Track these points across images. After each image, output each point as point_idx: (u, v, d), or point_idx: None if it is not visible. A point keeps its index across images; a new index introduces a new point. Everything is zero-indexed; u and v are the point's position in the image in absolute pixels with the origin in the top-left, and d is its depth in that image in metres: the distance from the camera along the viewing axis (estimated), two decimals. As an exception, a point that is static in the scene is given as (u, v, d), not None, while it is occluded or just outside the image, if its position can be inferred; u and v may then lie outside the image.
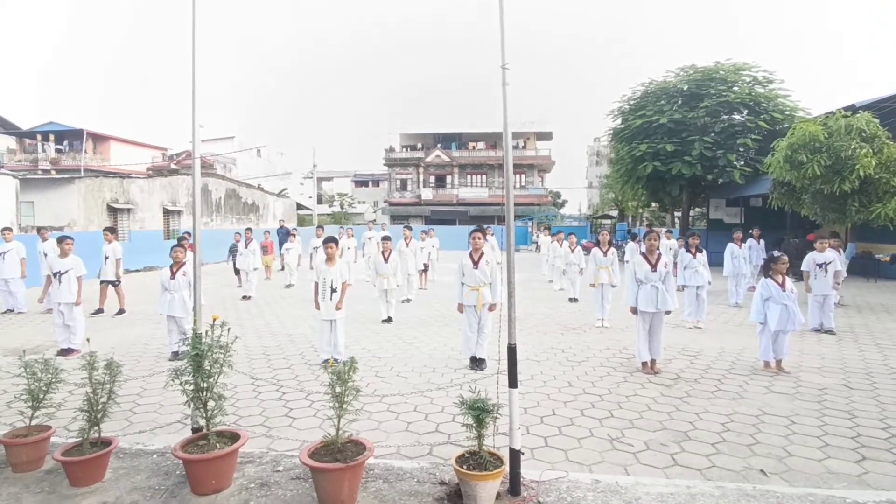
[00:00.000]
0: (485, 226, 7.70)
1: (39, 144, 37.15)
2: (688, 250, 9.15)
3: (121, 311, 9.84)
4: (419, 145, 44.90)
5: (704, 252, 9.13)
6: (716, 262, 11.98)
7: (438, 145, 43.61)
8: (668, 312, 6.12)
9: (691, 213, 23.97)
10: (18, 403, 3.62)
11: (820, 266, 8.18)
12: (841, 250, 8.63)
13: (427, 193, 42.49)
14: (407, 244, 11.85)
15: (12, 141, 37.84)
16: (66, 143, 37.78)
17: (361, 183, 58.86)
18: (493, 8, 3.18)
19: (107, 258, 9.94)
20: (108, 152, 38.61)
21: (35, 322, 9.36)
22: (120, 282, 10.12)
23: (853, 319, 9.22)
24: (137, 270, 18.47)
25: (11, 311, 10.11)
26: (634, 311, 6.17)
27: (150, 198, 20.73)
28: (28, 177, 18.62)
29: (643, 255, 6.32)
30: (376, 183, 56.54)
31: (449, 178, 43.19)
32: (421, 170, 43.17)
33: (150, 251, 19.13)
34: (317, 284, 6.38)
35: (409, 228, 12.45)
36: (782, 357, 6.05)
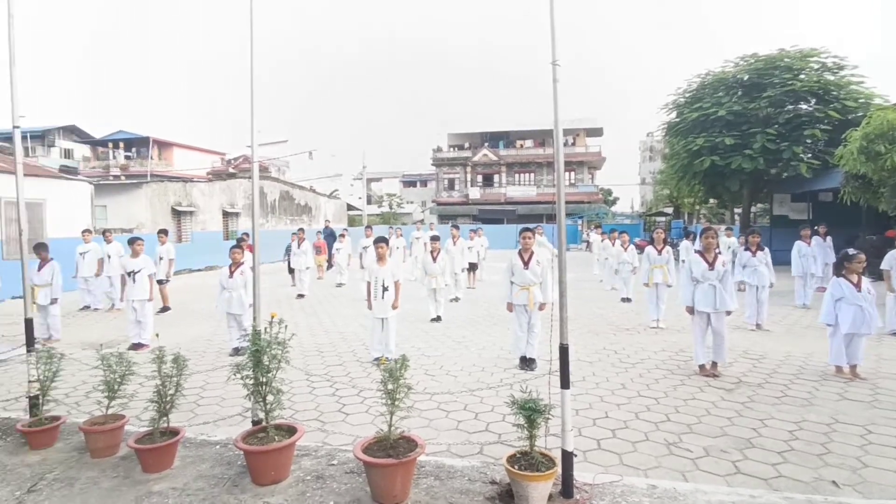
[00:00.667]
0: (534, 224, 7.62)
1: (110, 152, 39.74)
2: (747, 248, 8.71)
3: (165, 309, 10.39)
4: (466, 145, 44.93)
5: (767, 250, 8.66)
6: (781, 261, 11.35)
7: (486, 144, 43.49)
8: (728, 313, 5.85)
9: (753, 209, 22.78)
10: (96, 394, 3.88)
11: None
12: None
13: (475, 192, 42.47)
14: (454, 243, 11.87)
15: (87, 149, 40.63)
16: (133, 150, 40.26)
17: (409, 183, 59.54)
18: (544, 5, 3.14)
19: (161, 259, 10.52)
20: (171, 158, 40.87)
21: (108, 318, 10.02)
22: (168, 281, 10.69)
23: (938, 322, 8.49)
24: (199, 270, 19.45)
25: (88, 307, 10.87)
26: (691, 310, 5.96)
27: (210, 200, 21.76)
28: (101, 182, 19.95)
29: (700, 252, 6.08)
30: (424, 183, 57.03)
31: (496, 177, 43.01)
32: (468, 169, 43.19)
33: (211, 251, 20.11)
34: (369, 284, 6.52)
35: (457, 228, 12.46)
36: (857, 362, 5.66)
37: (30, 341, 4.60)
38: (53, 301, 7.90)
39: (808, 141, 17.19)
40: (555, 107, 3.14)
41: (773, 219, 20.42)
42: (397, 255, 13.99)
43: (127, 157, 39.69)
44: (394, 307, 6.42)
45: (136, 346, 7.26)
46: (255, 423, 3.78)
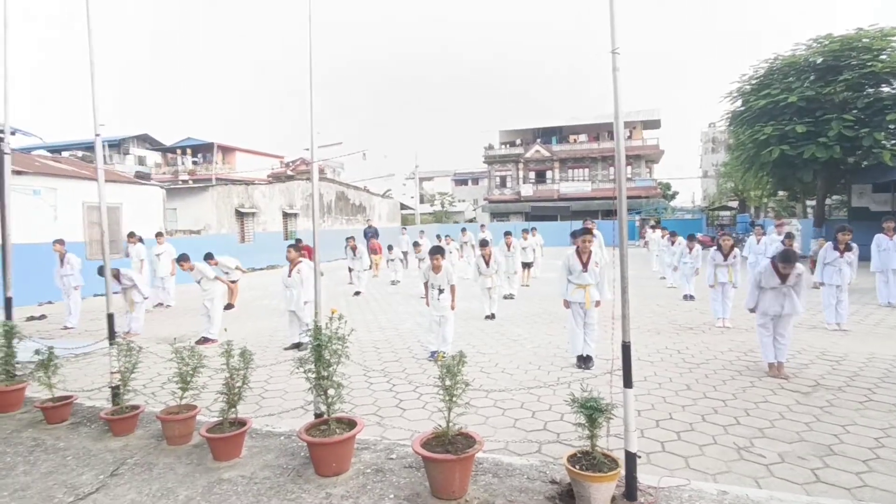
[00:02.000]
0: (588, 221, 7.45)
1: (179, 158, 42.17)
2: (836, 247, 7.98)
3: (229, 306, 10.89)
4: (518, 141, 44.48)
5: (856, 248, 7.95)
6: (861, 256, 10.52)
7: (538, 140, 42.88)
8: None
9: (828, 201, 21.27)
10: (170, 385, 4.11)
11: None
12: None
13: (527, 189, 41.98)
14: (509, 249, 11.89)
15: (158, 156, 43.31)
16: (200, 155, 42.53)
17: (461, 181, 59.64)
18: (602, -9, 3.05)
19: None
20: (234, 162, 42.89)
21: (178, 314, 10.63)
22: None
23: None
24: (262, 269, 20.28)
25: (161, 304, 11.58)
26: (753, 310, 5.70)
27: (270, 202, 22.64)
28: (171, 187, 21.15)
29: (774, 265, 5.61)
30: (476, 181, 56.96)
31: (549, 173, 42.33)
32: (520, 166, 42.74)
33: (272, 251, 20.93)
34: (427, 283, 6.74)
35: (510, 234, 12.40)
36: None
37: (111, 335, 4.94)
38: (144, 298, 8.76)
39: (892, 126, 15.85)
40: (615, 97, 3.03)
41: (852, 211, 18.99)
42: (451, 257, 14.04)
43: (194, 163, 42.00)
44: (451, 308, 6.59)
45: (203, 341, 7.65)
46: (317, 415, 3.89)
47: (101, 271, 5.76)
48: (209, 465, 3.63)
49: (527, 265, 13.44)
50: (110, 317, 5.01)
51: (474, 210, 51.35)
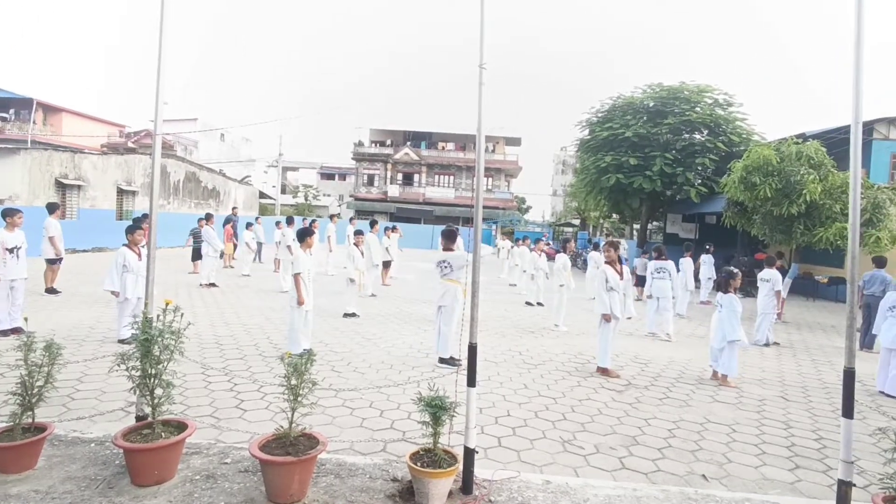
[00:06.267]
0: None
1: (-19, 110, 34.90)
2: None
3: (53, 291, 9.56)
4: (389, 142, 44.62)
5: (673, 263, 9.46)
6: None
7: (408, 143, 43.46)
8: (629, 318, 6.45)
9: (649, 226, 24.69)
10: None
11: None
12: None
13: (394, 190, 42.25)
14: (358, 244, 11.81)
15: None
16: (11, 111, 35.60)
17: (328, 175, 57.99)
18: (475, 9, 3.19)
19: (52, 236, 9.50)
20: (59, 125, 36.61)
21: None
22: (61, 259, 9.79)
23: (793, 336, 9.71)
24: (86, 251, 17.63)
25: None
26: (609, 317, 6.36)
27: (103, 175, 19.77)
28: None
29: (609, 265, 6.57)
30: (343, 177, 55.86)
31: (417, 177, 43.10)
32: (389, 166, 42.90)
33: (101, 231, 18.29)
34: (298, 275, 6.23)
35: (361, 233, 12.23)
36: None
37: None
38: None
39: (699, 168, 19.00)
40: (479, 109, 3.19)
41: (666, 236, 22.29)
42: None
43: (2, 119, 35.05)
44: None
45: (15, 331, 6.44)
46: (139, 418, 3.48)
47: None
48: (-9, 480, 3.04)
49: (387, 264, 13.51)
50: None
51: (339, 206, 50.27)
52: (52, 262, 9.59)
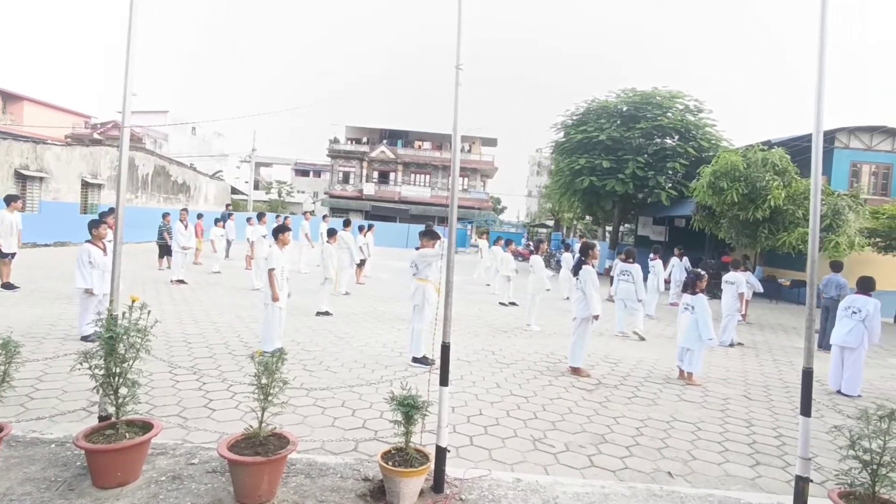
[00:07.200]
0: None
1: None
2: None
3: (9, 286, 9.17)
4: (365, 139, 44.30)
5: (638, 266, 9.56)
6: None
7: (384, 141, 43.20)
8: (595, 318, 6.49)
9: (621, 228, 25.15)
10: None
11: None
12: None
13: (369, 188, 41.96)
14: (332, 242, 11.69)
15: None
16: (-31, 98, 34.12)
17: (302, 172, 57.21)
18: (452, 10, 3.20)
19: (13, 229, 9.16)
20: (20, 114, 35.21)
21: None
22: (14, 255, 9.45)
23: (756, 336, 10.02)
24: (47, 245, 17.02)
25: None
26: (597, 318, 6.47)
27: (67, 167, 19.09)
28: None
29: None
30: (318, 174, 55.16)
31: (392, 175, 42.89)
32: (365, 164, 42.58)
33: (63, 225, 17.67)
34: (272, 271, 6.12)
35: (335, 232, 12.07)
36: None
37: None
38: None
39: (670, 172, 19.42)
40: (455, 109, 3.20)
41: (637, 238, 22.74)
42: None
43: (-43, 106, 33.55)
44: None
45: None
46: (102, 418, 3.38)
47: None
48: (-58, 483, 2.92)
49: (361, 263, 13.42)
50: None
51: (314, 203, 49.67)
52: (3, 257, 9.22)
